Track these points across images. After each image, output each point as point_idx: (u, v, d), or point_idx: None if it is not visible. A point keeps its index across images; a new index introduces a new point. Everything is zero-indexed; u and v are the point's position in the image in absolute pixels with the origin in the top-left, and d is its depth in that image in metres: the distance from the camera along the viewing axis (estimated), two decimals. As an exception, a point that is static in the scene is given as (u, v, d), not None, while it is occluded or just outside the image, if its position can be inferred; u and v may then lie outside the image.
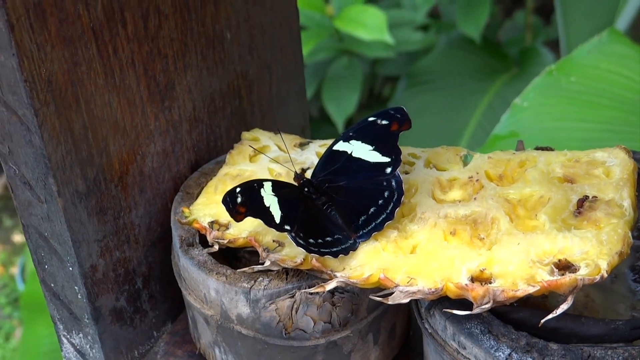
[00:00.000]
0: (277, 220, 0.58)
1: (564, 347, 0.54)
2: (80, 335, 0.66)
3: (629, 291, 0.63)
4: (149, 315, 0.71)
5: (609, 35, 1.28)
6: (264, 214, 0.58)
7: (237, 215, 0.57)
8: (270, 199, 0.59)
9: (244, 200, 0.57)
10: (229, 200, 0.57)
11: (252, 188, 0.58)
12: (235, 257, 0.68)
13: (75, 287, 0.63)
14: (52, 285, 0.65)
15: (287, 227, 0.58)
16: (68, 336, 0.67)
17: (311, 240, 0.58)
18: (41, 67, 0.54)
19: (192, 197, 0.68)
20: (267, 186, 0.59)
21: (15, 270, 2.48)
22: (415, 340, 0.73)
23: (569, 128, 1.18)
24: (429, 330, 0.59)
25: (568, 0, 1.93)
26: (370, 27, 1.69)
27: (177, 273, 0.67)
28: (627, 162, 0.61)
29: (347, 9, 1.74)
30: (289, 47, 0.79)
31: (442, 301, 0.57)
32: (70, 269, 0.62)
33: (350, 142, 0.63)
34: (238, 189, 0.58)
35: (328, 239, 0.59)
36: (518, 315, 0.58)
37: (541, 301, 0.61)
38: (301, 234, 0.58)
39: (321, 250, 0.58)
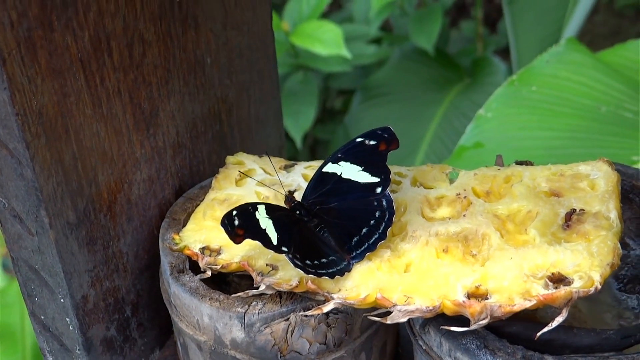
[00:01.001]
0: (275, 242, 0.58)
1: (559, 358, 0.55)
2: (71, 366, 0.66)
3: (614, 300, 0.64)
4: (138, 343, 0.71)
5: (567, 44, 1.30)
6: (261, 237, 0.58)
7: (237, 238, 0.57)
8: (265, 222, 0.59)
9: (241, 223, 0.57)
10: (227, 223, 0.57)
11: (247, 211, 0.59)
12: (224, 281, 0.67)
13: (67, 319, 0.63)
14: (42, 317, 0.64)
15: (285, 249, 0.58)
16: (58, 368, 0.67)
17: (308, 262, 0.58)
18: (32, 100, 0.53)
19: (178, 223, 0.68)
20: (261, 209, 0.59)
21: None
22: (404, 357, 0.73)
23: (533, 137, 1.20)
24: (423, 347, 0.60)
25: (517, 9, 1.96)
26: (327, 43, 1.69)
27: (167, 300, 0.67)
28: (610, 174, 0.62)
29: (303, 25, 1.74)
30: (265, 69, 0.79)
31: (437, 318, 0.58)
32: (62, 300, 0.62)
33: (339, 163, 0.64)
34: (235, 212, 0.58)
35: (323, 260, 0.59)
36: (512, 329, 0.59)
37: (531, 314, 0.62)
38: (298, 256, 0.58)
39: (318, 271, 0.58)
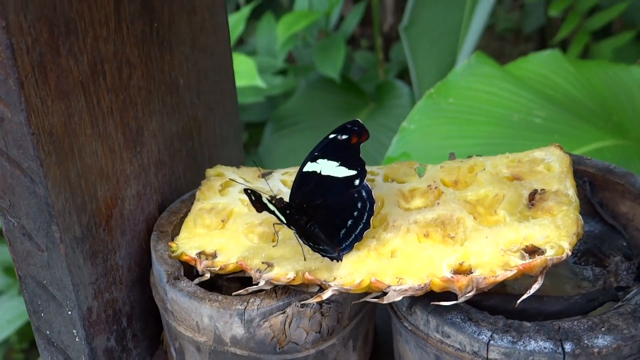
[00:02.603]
0: (284, 220, 0.63)
1: (537, 323, 0.61)
2: (76, 379, 0.69)
3: (572, 273, 0.71)
4: (133, 354, 0.74)
5: (477, 57, 1.38)
6: (273, 213, 0.63)
7: (258, 208, 0.62)
8: (272, 206, 0.63)
9: (255, 201, 0.62)
10: (250, 193, 0.62)
11: (256, 193, 0.63)
12: (214, 285, 0.71)
13: (74, 331, 0.66)
14: (47, 332, 0.67)
15: (293, 228, 0.63)
16: (62, 382, 0.70)
17: (311, 244, 0.63)
18: (44, 120, 0.57)
19: (167, 235, 0.72)
20: (264, 198, 0.64)
21: None
22: (382, 347, 0.78)
23: (454, 145, 1.27)
24: (409, 328, 0.65)
25: (413, 35, 2.05)
26: (241, 74, 1.74)
27: (162, 307, 0.70)
28: (563, 157, 0.69)
29: None
30: (226, 89, 0.84)
31: (421, 299, 0.63)
32: (69, 312, 0.65)
33: (317, 161, 0.69)
34: (249, 190, 0.62)
35: (320, 247, 0.64)
36: (489, 303, 0.64)
37: (502, 289, 0.68)
38: (303, 238, 0.63)
39: (321, 252, 0.63)
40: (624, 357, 0.59)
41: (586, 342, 0.59)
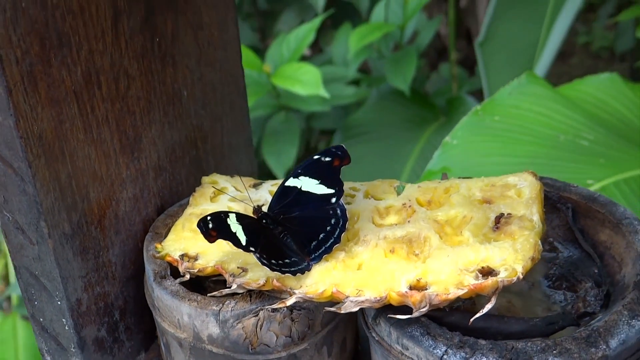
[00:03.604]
0: (244, 243, 0.67)
1: (491, 342, 0.63)
2: (67, 364, 0.75)
3: (544, 296, 0.73)
4: (126, 345, 0.79)
5: (527, 77, 1.39)
6: (232, 238, 0.67)
7: (210, 238, 0.66)
8: (235, 227, 0.68)
9: (214, 226, 0.66)
10: (202, 225, 0.66)
11: (219, 217, 0.68)
12: (202, 287, 0.76)
13: (63, 320, 0.71)
14: (41, 319, 0.73)
15: (252, 249, 0.67)
16: (55, 366, 0.75)
17: (273, 261, 0.67)
18: (34, 125, 0.63)
19: (160, 236, 0.77)
20: (232, 217, 0.68)
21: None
22: (363, 355, 0.82)
23: (495, 162, 1.28)
24: (376, 338, 0.68)
25: (488, 51, 2.05)
26: (306, 83, 1.76)
27: (151, 304, 0.75)
28: (534, 183, 0.72)
29: (284, 67, 1.82)
30: (236, 102, 0.88)
31: (386, 311, 0.67)
32: (59, 302, 0.70)
33: (299, 178, 0.73)
34: (209, 217, 0.67)
35: (287, 260, 0.68)
36: (451, 319, 0.67)
37: (470, 307, 0.71)
38: (265, 256, 0.67)
39: (282, 269, 0.67)
40: (572, 380, 0.61)
41: (536, 363, 0.61)
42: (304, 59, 2.29)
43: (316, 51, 2.67)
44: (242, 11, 2.45)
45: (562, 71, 2.99)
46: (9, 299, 2.41)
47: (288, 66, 1.83)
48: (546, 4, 1.98)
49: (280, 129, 1.95)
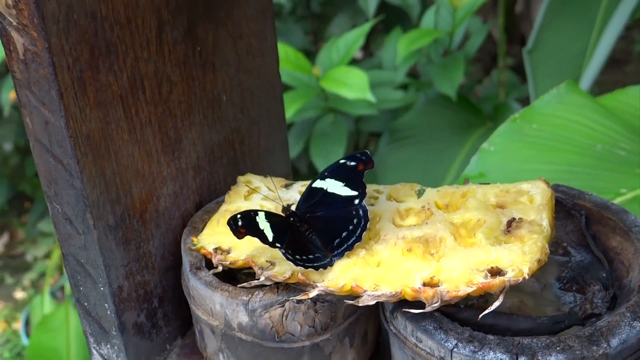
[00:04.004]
0: (270, 239, 0.73)
1: (499, 337, 0.67)
2: (108, 346, 0.81)
3: (555, 297, 0.77)
4: (163, 331, 0.86)
5: (567, 87, 1.41)
6: (260, 235, 0.73)
7: (239, 234, 0.72)
8: (264, 224, 0.73)
9: (243, 224, 0.72)
10: (232, 223, 0.72)
11: (249, 215, 0.73)
12: (234, 279, 0.82)
13: (105, 305, 0.78)
14: (86, 304, 0.79)
15: (278, 245, 0.73)
16: (97, 348, 0.82)
17: (297, 257, 0.73)
18: (82, 126, 0.69)
19: (197, 231, 0.83)
20: (261, 215, 0.74)
21: (17, 325, 2.60)
22: (384, 347, 0.87)
23: (532, 169, 1.29)
24: (393, 331, 0.74)
25: (536, 58, 2.07)
26: (353, 87, 1.80)
27: (187, 293, 0.81)
28: (546, 190, 0.76)
29: (332, 71, 1.86)
30: (273, 107, 0.94)
31: (403, 305, 0.72)
32: (102, 289, 0.77)
33: (326, 180, 0.79)
34: (239, 215, 0.73)
35: (310, 256, 0.73)
36: (463, 315, 0.72)
37: (482, 305, 0.75)
38: (290, 251, 0.73)
39: (305, 264, 0.72)
40: (573, 375, 0.66)
41: (540, 357, 0.65)
42: (355, 62, 2.33)
43: (367, 55, 2.72)
44: (296, 14, 2.50)
45: (617, 79, 2.99)
46: (62, 288, 2.50)
47: (336, 70, 1.87)
48: (596, 13, 1.98)
49: (329, 130, 1.99)
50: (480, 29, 2.24)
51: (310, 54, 2.22)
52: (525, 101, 2.36)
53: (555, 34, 2.12)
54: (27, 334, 2.41)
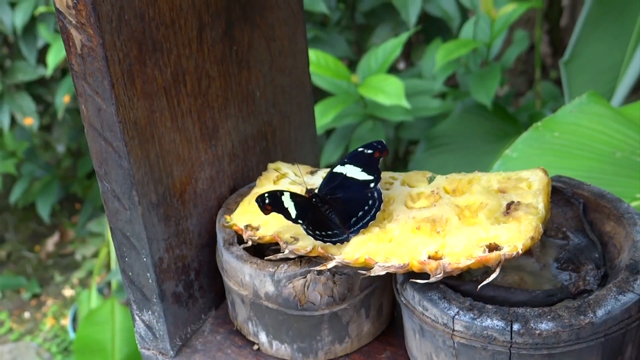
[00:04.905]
0: (293, 216, 0.82)
1: (496, 307, 0.76)
2: (149, 312, 0.90)
3: (552, 276, 0.85)
4: (199, 301, 0.95)
5: (588, 97, 1.46)
6: (284, 212, 0.82)
7: (265, 210, 0.82)
8: (288, 203, 0.83)
9: (270, 201, 0.82)
10: (260, 200, 0.81)
11: (275, 194, 0.83)
12: (262, 255, 0.90)
13: (148, 274, 0.87)
14: (130, 274, 0.89)
15: (300, 221, 0.82)
16: (140, 314, 0.91)
17: (317, 232, 0.82)
18: (130, 113, 0.79)
19: (231, 212, 0.92)
20: (286, 195, 0.84)
21: (65, 321, 2.71)
22: (399, 320, 0.95)
23: (552, 175, 1.37)
24: (404, 301, 0.82)
25: (572, 69, 2.12)
26: (389, 94, 1.86)
27: (220, 267, 0.91)
28: (543, 177, 0.84)
29: (370, 78, 1.93)
30: (303, 103, 1.04)
31: (412, 277, 0.80)
32: (145, 259, 0.86)
33: (345, 166, 0.88)
34: (266, 194, 0.82)
35: (329, 232, 0.82)
36: (466, 288, 0.80)
37: (485, 279, 0.83)
38: (311, 227, 0.82)
39: (325, 239, 0.81)
40: (562, 340, 0.73)
41: (532, 325, 0.73)
42: (396, 71, 2.40)
43: (409, 65, 2.80)
44: (340, 25, 2.59)
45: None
46: (109, 284, 2.60)
47: (374, 77, 1.94)
48: (632, 27, 2.02)
49: (367, 136, 2.05)
50: (519, 41, 2.30)
51: (354, 63, 2.30)
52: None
53: (592, 46, 2.16)
54: (74, 330, 2.52)
